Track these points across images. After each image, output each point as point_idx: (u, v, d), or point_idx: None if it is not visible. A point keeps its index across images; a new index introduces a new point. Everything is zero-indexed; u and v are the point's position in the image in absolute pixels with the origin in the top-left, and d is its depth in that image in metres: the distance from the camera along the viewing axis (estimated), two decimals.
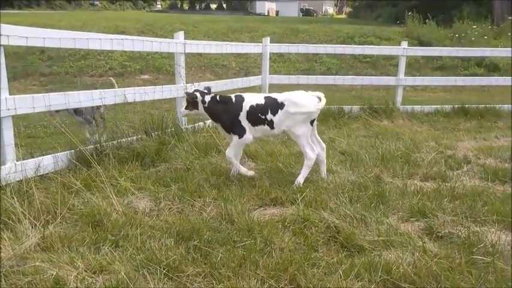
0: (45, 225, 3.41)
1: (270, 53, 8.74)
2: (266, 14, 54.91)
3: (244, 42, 14.36)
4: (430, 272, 2.87)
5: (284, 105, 4.52)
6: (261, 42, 8.71)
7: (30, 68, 13.44)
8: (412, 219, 3.80)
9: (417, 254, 3.11)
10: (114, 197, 3.86)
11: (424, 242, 3.33)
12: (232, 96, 4.69)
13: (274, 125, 4.56)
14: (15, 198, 3.59)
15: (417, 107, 9.15)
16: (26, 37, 4.27)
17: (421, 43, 16.91)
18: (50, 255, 2.99)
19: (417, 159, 5.46)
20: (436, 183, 4.67)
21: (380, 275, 2.85)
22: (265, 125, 4.58)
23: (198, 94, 4.61)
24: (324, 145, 4.84)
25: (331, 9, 69.26)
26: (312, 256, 3.11)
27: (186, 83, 6.47)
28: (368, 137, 6.80)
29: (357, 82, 10.02)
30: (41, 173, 4.43)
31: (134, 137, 5.44)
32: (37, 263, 2.88)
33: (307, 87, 5.19)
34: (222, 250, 3.12)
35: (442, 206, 3.95)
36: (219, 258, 3.01)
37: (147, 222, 3.58)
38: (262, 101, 4.58)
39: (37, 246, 3.16)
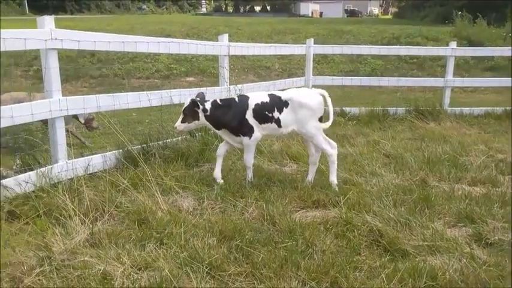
0: (94, 222, 3.54)
1: (313, 54, 8.69)
2: (310, 15, 54.64)
3: (287, 43, 14.35)
4: (478, 280, 2.78)
5: (288, 103, 4.43)
6: (305, 43, 8.69)
7: (81, 71, 13.96)
8: (459, 224, 3.69)
9: (464, 260, 3.02)
10: (160, 195, 3.96)
11: (472, 249, 3.23)
12: (235, 96, 4.64)
13: (282, 124, 4.45)
14: (67, 195, 3.75)
15: (466, 109, 8.84)
16: (78, 41, 4.45)
17: (471, 43, 16.31)
18: (98, 251, 3.11)
19: (465, 163, 5.28)
20: (486, 188, 4.50)
21: (425, 281, 2.78)
22: (273, 123, 4.47)
23: (198, 102, 4.43)
24: (334, 143, 4.68)
25: (376, 10, 68.06)
26: (354, 259, 3.08)
27: (229, 84, 6.55)
28: (413, 140, 6.64)
29: (403, 83, 9.81)
30: (91, 172, 4.60)
31: (179, 138, 5.55)
32: (86, 258, 3.00)
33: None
34: (263, 250, 3.14)
35: (491, 211, 3.81)
36: (260, 258, 3.03)
37: (190, 220, 3.65)
38: (267, 99, 4.47)
39: (86, 241, 3.28)
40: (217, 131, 4.62)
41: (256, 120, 4.45)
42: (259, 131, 4.49)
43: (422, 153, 5.61)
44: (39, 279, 2.81)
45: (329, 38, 18.24)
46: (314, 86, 8.64)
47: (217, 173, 4.57)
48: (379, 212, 3.77)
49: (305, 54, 8.63)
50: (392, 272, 2.89)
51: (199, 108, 4.43)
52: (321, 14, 56.17)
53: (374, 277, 2.87)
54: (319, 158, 4.66)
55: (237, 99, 4.54)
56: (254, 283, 2.83)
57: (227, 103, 4.53)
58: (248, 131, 4.45)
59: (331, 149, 4.50)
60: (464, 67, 14.70)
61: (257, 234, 3.44)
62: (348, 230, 3.51)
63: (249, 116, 4.45)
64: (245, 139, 4.48)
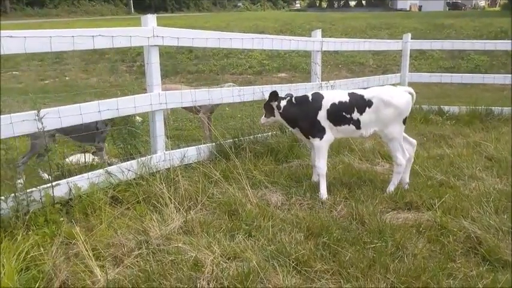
0: (188, 211, 3.72)
1: (410, 50, 8.32)
2: (408, 9, 52.33)
3: (383, 39, 13.89)
4: None
5: (372, 102, 4.11)
6: (401, 38, 8.35)
7: (179, 67, 14.65)
8: None
9: None
10: (249, 188, 4.04)
11: None
12: (309, 94, 4.35)
13: (361, 125, 4.15)
14: (163, 184, 3.97)
15: None
16: (177, 38, 4.67)
17: None
18: (191, 238, 3.26)
19: None
20: None
21: None
22: (351, 125, 4.16)
23: (273, 97, 4.34)
24: (414, 141, 4.39)
25: (482, 2, 63.39)
26: (448, 266, 2.93)
27: (321, 80, 6.50)
28: None
29: (510, 81, 9.06)
30: (186, 163, 4.83)
31: (269, 133, 5.62)
32: (179, 244, 3.16)
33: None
34: (351, 250, 3.09)
35: None
36: (347, 257, 2.99)
37: (278, 215, 3.69)
38: (346, 99, 4.15)
39: (180, 229, 3.46)
40: (291, 129, 4.52)
41: (331, 121, 4.18)
42: (332, 133, 4.22)
43: None
44: (137, 261, 3.02)
45: (428, 32, 17.35)
46: (410, 83, 8.30)
47: (324, 191, 4.16)
48: (478, 218, 3.54)
49: (401, 50, 8.29)
50: (491, 283, 2.71)
51: (272, 102, 4.39)
52: (419, 7, 53.50)
53: (470, 287, 2.70)
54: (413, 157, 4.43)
55: (310, 97, 4.28)
56: (340, 282, 2.80)
57: (300, 101, 4.33)
58: (318, 132, 4.20)
59: (403, 158, 4.16)
60: None
61: (345, 232, 3.39)
62: (443, 235, 3.33)
63: (322, 117, 4.18)
64: (315, 141, 4.23)
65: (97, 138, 4.81)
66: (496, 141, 5.94)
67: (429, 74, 9.56)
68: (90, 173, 4.05)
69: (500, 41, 11.68)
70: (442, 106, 8.07)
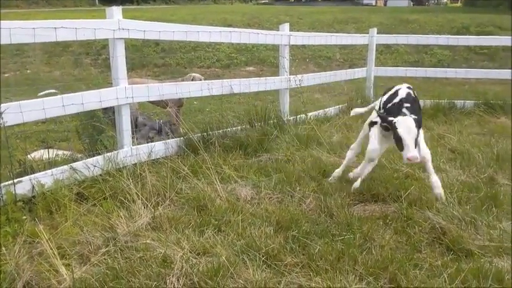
0: (156, 206, 3.66)
1: (376, 44, 8.46)
2: (374, 4, 53.07)
3: (350, 33, 14.02)
4: None
5: None
6: (368, 33, 8.47)
7: (146, 60, 14.41)
8: None
9: None
10: (219, 183, 4.02)
11: None
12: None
13: None
14: (131, 180, 3.90)
15: None
16: (144, 31, 4.59)
17: None
18: (159, 235, 3.22)
19: None
20: None
21: (490, 283, 2.65)
22: None
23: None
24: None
25: None
26: (415, 256, 3.00)
27: (290, 74, 6.52)
28: (482, 135, 6.30)
29: (471, 75, 9.34)
30: (153, 158, 4.76)
31: (239, 127, 5.61)
32: (148, 241, 3.12)
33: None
34: (320, 242, 3.12)
35: None
36: (317, 250, 3.02)
37: (248, 209, 3.69)
38: None
39: (148, 225, 3.41)
40: None
41: None
42: None
43: (491, 149, 5.31)
44: (104, 259, 2.95)
45: (393, 27, 17.63)
46: (376, 77, 8.44)
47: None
48: (442, 209, 3.63)
49: (367, 44, 8.41)
50: (455, 272, 2.78)
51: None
52: (385, 2, 54.40)
53: (435, 276, 2.77)
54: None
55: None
56: (310, 274, 2.82)
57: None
58: None
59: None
60: None
61: (314, 225, 3.42)
62: (409, 226, 3.41)
63: None
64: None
65: None
66: (459, 134, 6.12)
67: (395, 68, 9.75)
68: (54, 169, 3.94)
69: (462, 36, 12.02)
70: None
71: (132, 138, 4.70)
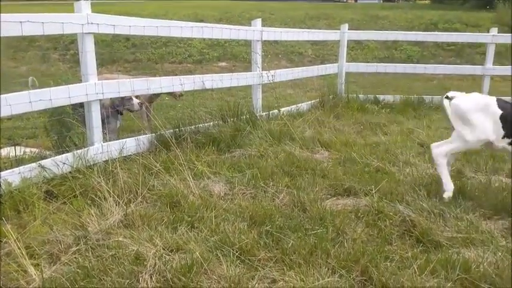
0: (128, 204, 3.62)
1: (347, 40, 8.54)
2: (345, 0, 53.56)
3: (321, 29, 14.13)
4: None
5: None
6: (339, 29, 8.55)
7: (116, 55, 14.17)
8: (495, 217, 3.59)
9: (500, 254, 2.94)
10: (191, 179, 4.00)
11: (508, 242, 3.14)
12: None
13: None
14: (101, 177, 3.84)
15: (506, 99, 8.51)
16: (114, 25, 4.50)
17: None
18: (132, 232, 3.18)
19: (503, 154, 5.11)
20: None
21: (458, 273, 2.73)
22: None
23: None
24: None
25: None
26: (386, 249, 3.05)
27: (262, 70, 6.52)
28: (450, 129, 6.45)
29: (439, 71, 9.55)
30: (125, 154, 4.69)
31: (211, 123, 5.59)
32: (120, 239, 3.08)
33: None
34: (293, 237, 3.14)
35: None
36: (290, 244, 3.03)
37: (221, 205, 3.68)
38: None
39: (120, 222, 3.36)
40: None
41: None
42: None
43: None
44: (75, 257, 2.90)
45: (364, 23, 17.87)
46: (348, 73, 8.53)
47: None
48: (412, 202, 3.71)
49: (339, 40, 8.49)
50: (425, 263, 2.85)
51: None
52: None
53: (405, 267, 2.83)
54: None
55: None
56: (283, 269, 2.84)
57: None
58: None
59: None
60: (505, 55, 14.16)
61: (287, 220, 3.44)
62: (380, 219, 3.47)
63: None
64: None
65: None
66: (428, 128, 6.26)
67: (366, 64, 9.87)
68: (21, 167, 3.83)
69: (430, 32, 12.25)
70: (377, 95, 8.37)
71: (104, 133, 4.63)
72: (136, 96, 5.29)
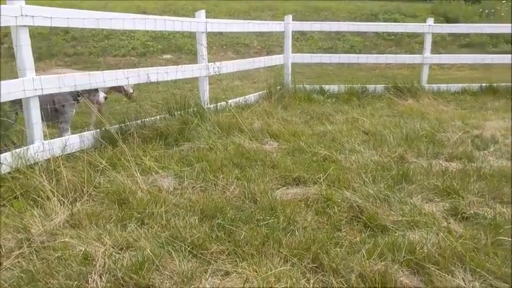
0: (73, 203, 3.49)
1: (292, 32, 8.63)
2: None
3: (265, 20, 14.19)
4: (455, 253, 2.84)
5: None
6: (283, 20, 8.61)
7: (55, 49, 13.59)
8: (436, 199, 3.76)
9: (442, 234, 3.08)
10: (139, 175, 3.92)
11: (449, 223, 3.30)
12: None
13: None
14: (44, 177, 3.68)
15: (443, 86, 8.96)
16: (50, 17, 4.30)
17: (448, 20, 16.42)
18: (79, 232, 3.08)
19: (443, 139, 5.37)
20: (462, 163, 4.59)
21: (403, 255, 2.84)
22: None
23: None
24: None
25: None
26: (335, 235, 3.12)
27: (208, 62, 6.47)
28: (392, 117, 6.71)
29: (381, 60, 9.89)
30: (68, 152, 4.52)
31: (157, 117, 5.48)
32: (66, 239, 2.96)
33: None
34: (245, 228, 3.15)
35: (467, 186, 3.89)
36: (242, 236, 3.04)
37: (171, 200, 3.63)
38: None
39: (66, 223, 3.24)
40: None
41: None
42: None
43: (401, 130, 5.67)
44: (18, 262, 2.77)
45: (307, 14, 18.10)
46: (293, 64, 8.62)
47: None
48: (358, 188, 3.82)
49: (284, 31, 8.56)
50: (373, 247, 2.94)
51: None
52: None
53: (354, 252, 2.91)
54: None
55: None
56: (236, 261, 2.84)
57: None
58: None
59: None
60: (441, 44, 14.83)
61: (239, 212, 3.44)
62: (329, 207, 3.54)
63: None
64: None
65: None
66: (371, 117, 6.46)
67: (310, 54, 10.02)
68: None
69: (372, 23, 12.60)
70: (323, 85, 8.53)
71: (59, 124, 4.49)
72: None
